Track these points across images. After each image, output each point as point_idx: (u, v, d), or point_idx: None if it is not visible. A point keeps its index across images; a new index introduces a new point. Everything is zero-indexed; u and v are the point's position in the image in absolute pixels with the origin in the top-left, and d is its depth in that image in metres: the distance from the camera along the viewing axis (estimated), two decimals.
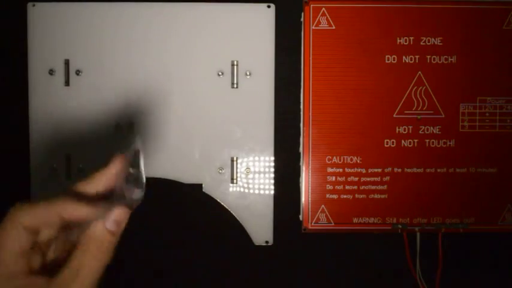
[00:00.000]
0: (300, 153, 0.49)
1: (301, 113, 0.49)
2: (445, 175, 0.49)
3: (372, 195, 0.49)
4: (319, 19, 0.48)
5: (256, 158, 0.49)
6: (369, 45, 0.48)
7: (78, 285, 0.27)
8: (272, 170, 0.49)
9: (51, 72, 0.48)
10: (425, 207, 0.49)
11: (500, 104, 0.49)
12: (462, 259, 0.50)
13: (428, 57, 0.49)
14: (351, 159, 0.49)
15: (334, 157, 0.49)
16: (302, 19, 0.49)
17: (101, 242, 0.28)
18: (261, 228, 0.49)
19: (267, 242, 0.49)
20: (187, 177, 0.49)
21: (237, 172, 0.49)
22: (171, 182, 0.48)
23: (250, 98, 0.49)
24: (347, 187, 0.49)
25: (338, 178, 0.49)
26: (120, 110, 0.48)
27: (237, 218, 0.49)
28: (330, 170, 0.49)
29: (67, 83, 0.48)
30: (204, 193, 0.49)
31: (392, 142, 0.49)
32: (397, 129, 0.49)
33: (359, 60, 0.48)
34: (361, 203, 0.49)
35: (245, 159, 0.49)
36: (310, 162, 0.49)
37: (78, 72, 0.48)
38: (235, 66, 0.49)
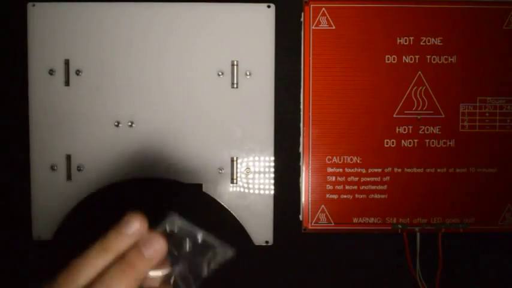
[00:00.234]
0: (300, 153, 0.49)
1: (301, 113, 0.49)
2: (445, 175, 0.49)
3: (372, 195, 0.49)
4: (319, 19, 0.48)
5: (256, 158, 0.49)
6: (369, 45, 0.48)
7: None
8: (272, 170, 0.49)
9: (51, 72, 0.48)
10: (425, 207, 0.49)
11: (500, 104, 0.49)
12: (462, 259, 0.50)
13: (428, 57, 0.49)
14: (351, 159, 0.49)
15: (334, 157, 0.49)
16: (302, 19, 0.49)
17: (130, 268, 0.26)
18: (261, 228, 0.49)
19: (267, 242, 0.49)
20: (187, 177, 0.49)
21: (237, 172, 0.49)
22: (171, 182, 0.48)
23: (250, 98, 0.49)
24: (347, 187, 0.49)
25: (338, 178, 0.49)
26: (120, 110, 0.48)
27: (237, 218, 0.49)
28: (330, 170, 0.49)
29: (67, 83, 0.48)
30: (204, 193, 0.49)
31: (393, 142, 0.49)
32: (397, 129, 0.49)
33: (359, 60, 0.48)
34: (361, 203, 0.49)
35: (245, 159, 0.49)
36: (310, 162, 0.49)
37: (78, 72, 0.48)
38: (235, 66, 0.49)
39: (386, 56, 0.49)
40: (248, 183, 0.49)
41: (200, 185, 0.49)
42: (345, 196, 0.49)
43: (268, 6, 0.49)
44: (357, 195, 0.49)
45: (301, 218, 0.49)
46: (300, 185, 0.49)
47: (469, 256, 0.51)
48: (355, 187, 0.49)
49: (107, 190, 0.48)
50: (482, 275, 0.51)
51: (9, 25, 0.49)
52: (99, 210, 0.49)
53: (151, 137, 0.48)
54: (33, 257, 0.49)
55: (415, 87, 0.49)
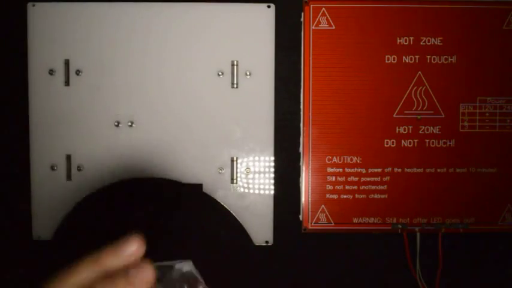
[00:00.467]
0: (300, 153, 0.49)
1: (301, 113, 0.49)
2: (445, 175, 0.49)
3: (372, 195, 0.49)
4: (319, 19, 0.48)
5: (256, 158, 0.49)
6: (369, 45, 0.48)
7: None
8: (272, 170, 0.49)
9: (51, 72, 0.48)
10: (425, 207, 0.49)
11: (500, 104, 0.49)
12: (462, 259, 0.50)
13: (428, 57, 0.49)
14: (351, 159, 0.49)
15: (334, 157, 0.49)
16: (302, 19, 0.49)
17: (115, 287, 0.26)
18: (261, 228, 0.49)
19: (267, 242, 0.49)
20: (187, 177, 0.49)
21: (237, 172, 0.49)
22: (171, 182, 0.48)
23: (250, 98, 0.49)
24: (347, 187, 0.49)
25: (338, 178, 0.49)
26: (120, 110, 0.48)
27: (237, 218, 0.49)
28: (330, 170, 0.49)
29: (67, 83, 0.48)
30: (204, 193, 0.49)
31: (393, 142, 0.49)
32: (397, 129, 0.49)
33: (359, 60, 0.48)
34: (361, 203, 0.49)
35: (245, 159, 0.49)
36: (310, 162, 0.49)
37: (78, 72, 0.48)
38: (235, 66, 0.49)
39: (386, 56, 0.49)
40: (248, 183, 0.49)
41: (200, 185, 0.49)
42: (345, 196, 0.49)
43: (268, 6, 0.49)
44: (357, 195, 0.49)
45: (301, 218, 0.49)
46: (300, 185, 0.49)
47: (469, 256, 0.50)
48: (355, 187, 0.49)
49: (106, 190, 0.48)
50: (482, 275, 0.51)
51: (9, 25, 0.49)
52: (99, 210, 0.49)
53: (151, 137, 0.48)
54: (33, 257, 0.49)
55: (415, 87, 0.49)
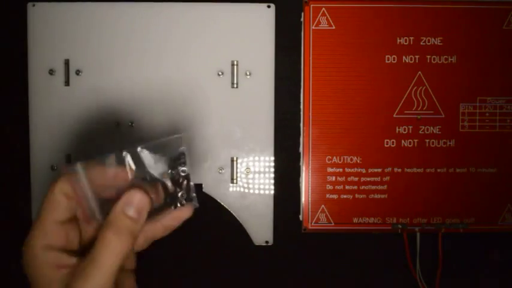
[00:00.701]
0: (300, 153, 0.49)
1: (301, 113, 0.49)
2: (445, 175, 0.49)
3: (372, 195, 0.49)
4: (319, 19, 0.48)
5: (256, 158, 0.49)
6: (369, 45, 0.48)
7: (98, 274, 0.26)
8: (272, 170, 0.49)
9: (51, 72, 0.48)
10: (425, 207, 0.49)
11: (500, 104, 0.49)
12: (462, 259, 0.50)
13: (428, 57, 0.49)
14: (351, 159, 0.49)
15: (334, 157, 0.49)
16: (302, 19, 0.49)
17: (121, 229, 0.28)
18: (261, 228, 0.49)
19: (267, 242, 0.49)
20: None
21: (237, 172, 0.49)
22: None
23: (250, 98, 0.49)
24: (347, 187, 0.49)
25: (338, 178, 0.49)
26: (120, 110, 0.48)
27: (237, 218, 0.49)
28: (330, 170, 0.49)
29: (67, 83, 0.48)
30: (204, 193, 0.49)
31: (393, 142, 0.49)
32: (397, 129, 0.49)
33: (359, 60, 0.48)
34: (361, 203, 0.49)
35: (245, 159, 0.49)
36: (310, 162, 0.49)
37: (78, 72, 0.48)
38: (235, 66, 0.49)
39: (386, 56, 0.49)
40: (248, 183, 0.49)
41: (200, 185, 0.49)
42: (345, 196, 0.49)
43: (268, 6, 0.49)
44: (357, 195, 0.49)
45: (301, 218, 0.49)
46: (300, 185, 0.49)
47: (469, 256, 0.51)
48: (355, 187, 0.49)
49: None
50: (482, 275, 0.51)
51: (9, 25, 0.49)
52: None
53: (152, 137, 0.48)
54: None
55: (415, 87, 0.49)
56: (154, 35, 0.48)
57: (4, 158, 0.50)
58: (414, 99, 0.49)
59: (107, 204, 0.29)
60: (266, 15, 0.49)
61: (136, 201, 0.28)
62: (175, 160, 0.31)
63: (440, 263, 0.49)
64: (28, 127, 0.48)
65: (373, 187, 0.49)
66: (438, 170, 0.49)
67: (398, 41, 0.49)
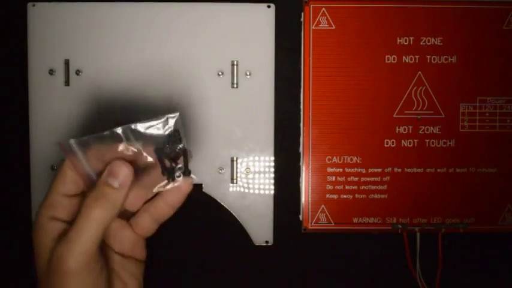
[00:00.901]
0: (300, 153, 0.49)
1: (301, 113, 0.49)
2: (445, 175, 0.49)
3: (372, 195, 0.49)
4: (319, 19, 0.48)
5: (256, 158, 0.49)
6: (369, 45, 0.48)
7: (79, 241, 0.28)
8: (272, 170, 0.49)
9: (51, 72, 0.48)
10: (425, 207, 0.49)
11: (500, 104, 0.49)
12: (462, 259, 0.50)
13: (428, 57, 0.49)
14: (351, 159, 0.49)
15: (334, 157, 0.49)
16: (302, 19, 0.49)
17: (100, 197, 0.29)
18: (261, 228, 0.49)
19: (267, 242, 0.49)
20: None
21: (237, 172, 0.49)
22: None
23: (250, 98, 0.49)
24: (347, 187, 0.49)
25: (338, 178, 0.49)
26: (120, 110, 0.48)
27: (237, 218, 0.49)
28: (330, 170, 0.49)
29: (67, 83, 0.48)
30: (204, 193, 0.49)
31: (393, 142, 0.49)
32: (397, 129, 0.49)
33: (359, 60, 0.48)
34: (361, 203, 0.49)
35: (245, 159, 0.49)
36: (310, 162, 0.49)
37: (78, 72, 0.48)
38: (235, 66, 0.49)
39: (386, 56, 0.49)
40: (248, 183, 0.49)
41: (200, 185, 0.49)
42: (345, 196, 0.49)
43: (268, 6, 0.49)
44: (357, 195, 0.49)
45: (301, 218, 0.49)
46: (300, 185, 0.49)
47: (469, 256, 0.51)
48: (355, 187, 0.49)
49: None
50: (482, 275, 0.51)
51: (9, 25, 0.49)
52: None
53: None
54: (33, 257, 0.49)
55: (415, 87, 0.49)
56: (154, 35, 0.48)
57: (4, 158, 0.50)
58: (414, 99, 0.49)
59: None
60: (266, 15, 0.49)
61: (116, 171, 0.30)
62: (170, 136, 0.32)
63: (440, 263, 0.49)
64: (28, 127, 0.48)
65: (373, 187, 0.49)
66: (438, 170, 0.49)
67: (398, 41, 0.49)
